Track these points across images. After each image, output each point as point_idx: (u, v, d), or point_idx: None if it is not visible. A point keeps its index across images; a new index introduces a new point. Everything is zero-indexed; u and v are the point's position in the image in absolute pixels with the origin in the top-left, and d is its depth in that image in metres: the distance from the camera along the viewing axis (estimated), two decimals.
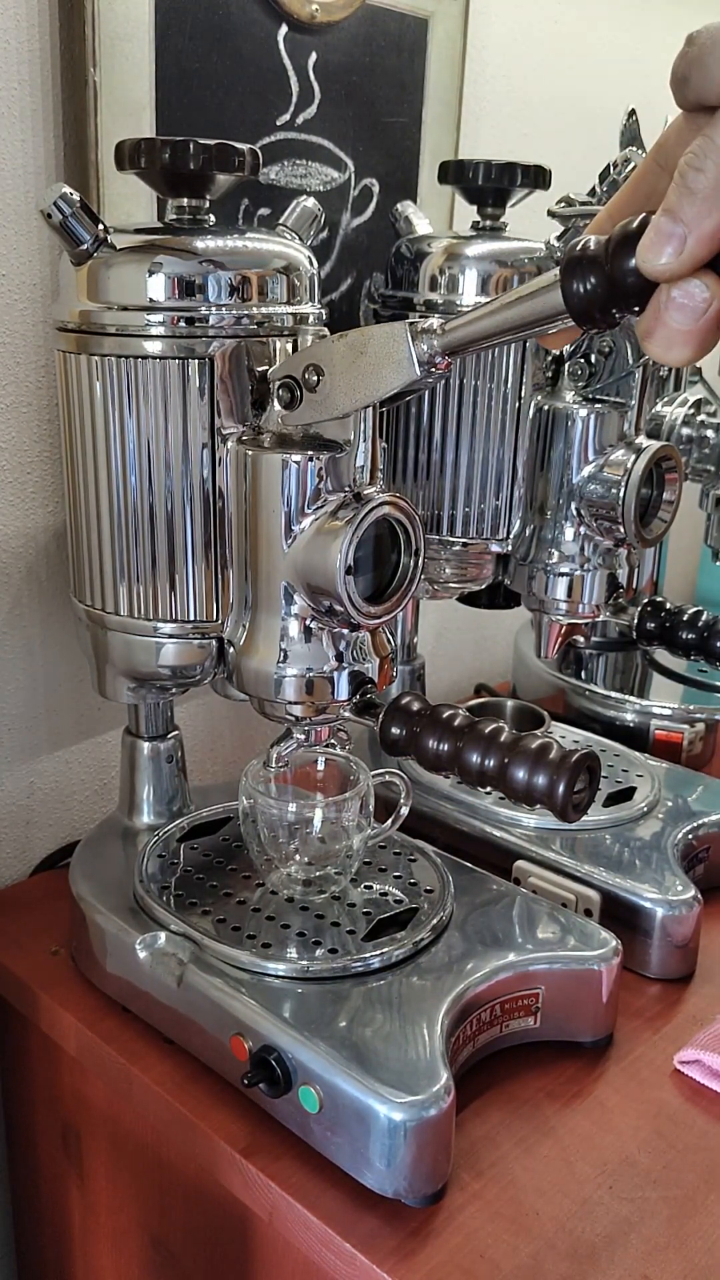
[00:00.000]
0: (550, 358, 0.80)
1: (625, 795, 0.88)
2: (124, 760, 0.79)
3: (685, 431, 1.01)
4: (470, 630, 1.27)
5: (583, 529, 0.79)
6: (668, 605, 0.88)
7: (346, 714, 0.65)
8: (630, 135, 0.82)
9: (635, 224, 0.40)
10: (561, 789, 0.57)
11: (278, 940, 0.67)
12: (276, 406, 0.60)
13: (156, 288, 0.61)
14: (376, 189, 0.95)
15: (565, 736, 0.99)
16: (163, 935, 0.68)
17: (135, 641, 0.67)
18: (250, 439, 0.62)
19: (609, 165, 0.78)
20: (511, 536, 0.82)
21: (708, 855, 0.86)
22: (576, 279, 0.43)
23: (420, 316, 0.79)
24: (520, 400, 0.79)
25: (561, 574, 0.81)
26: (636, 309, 0.41)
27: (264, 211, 0.87)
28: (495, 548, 0.82)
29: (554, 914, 0.72)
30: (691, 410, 1.01)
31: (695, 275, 0.38)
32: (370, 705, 0.64)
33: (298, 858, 0.70)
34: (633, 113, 0.82)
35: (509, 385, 0.78)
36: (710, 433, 1.01)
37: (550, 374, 0.81)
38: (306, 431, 0.61)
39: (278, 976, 0.64)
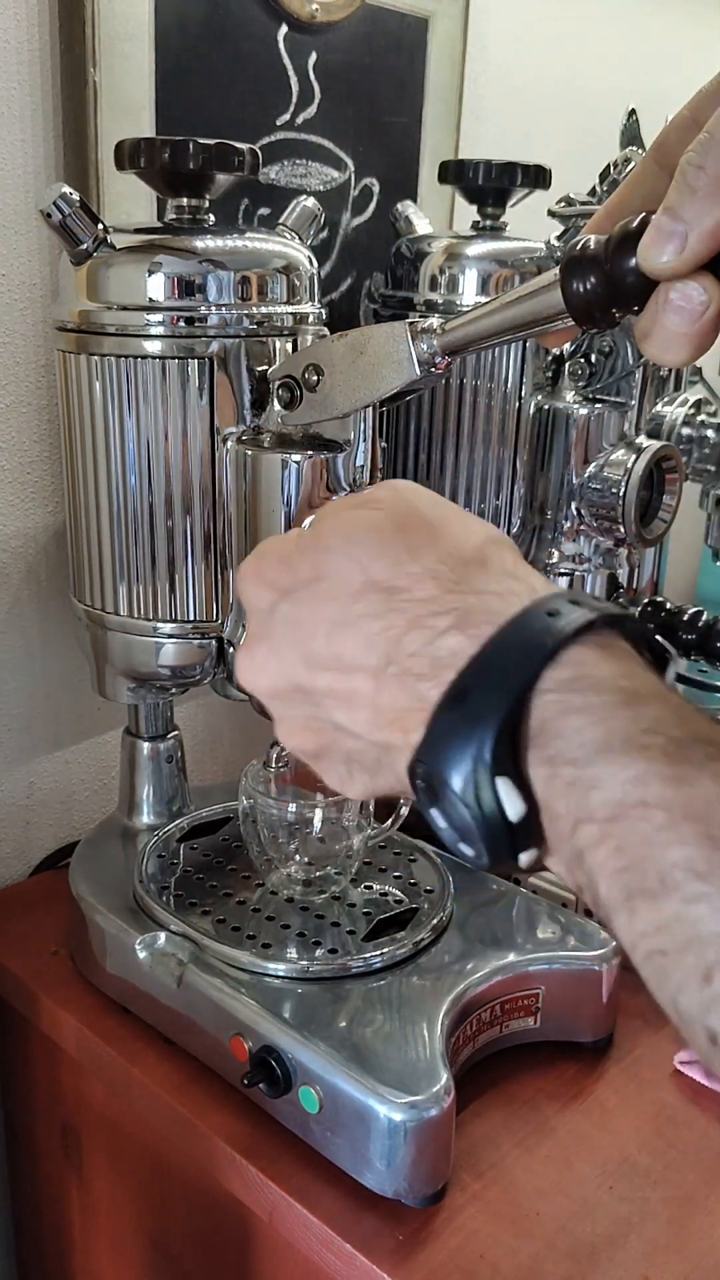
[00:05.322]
0: (550, 358, 0.80)
1: None
2: (124, 760, 0.79)
3: (685, 431, 1.01)
4: None
5: (583, 529, 0.79)
6: (668, 605, 0.87)
7: None
8: (630, 135, 0.82)
9: (635, 223, 0.40)
10: None
11: (278, 940, 0.67)
12: (276, 406, 0.60)
13: (156, 287, 0.61)
14: (376, 189, 0.95)
15: None
16: (163, 935, 0.68)
17: (135, 641, 0.67)
18: (250, 439, 0.62)
19: (609, 165, 0.78)
20: (511, 536, 0.82)
21: None
22: (576, 278, 0.43)
23: (420, 316, 0.79)
24: (520, 400, 0.79)
25: (561, 574, 0.81)
26: (636, 308, 0.41)
27: (264, 211, 0.87)
28: None
29: (554, 914, 0.71)
30: (691, 410, 1.01)
31: (694, 277, 0.38)
32: None
33: (298, 858, 0.70)
34: (633, 112, 0.82)
35: (509, 385, 0.78)
36: (710, 433, 1.01)
37: (550, 374, 0.81)
38: (306, 431, 0.61)
39: (278, 976, 0.64)
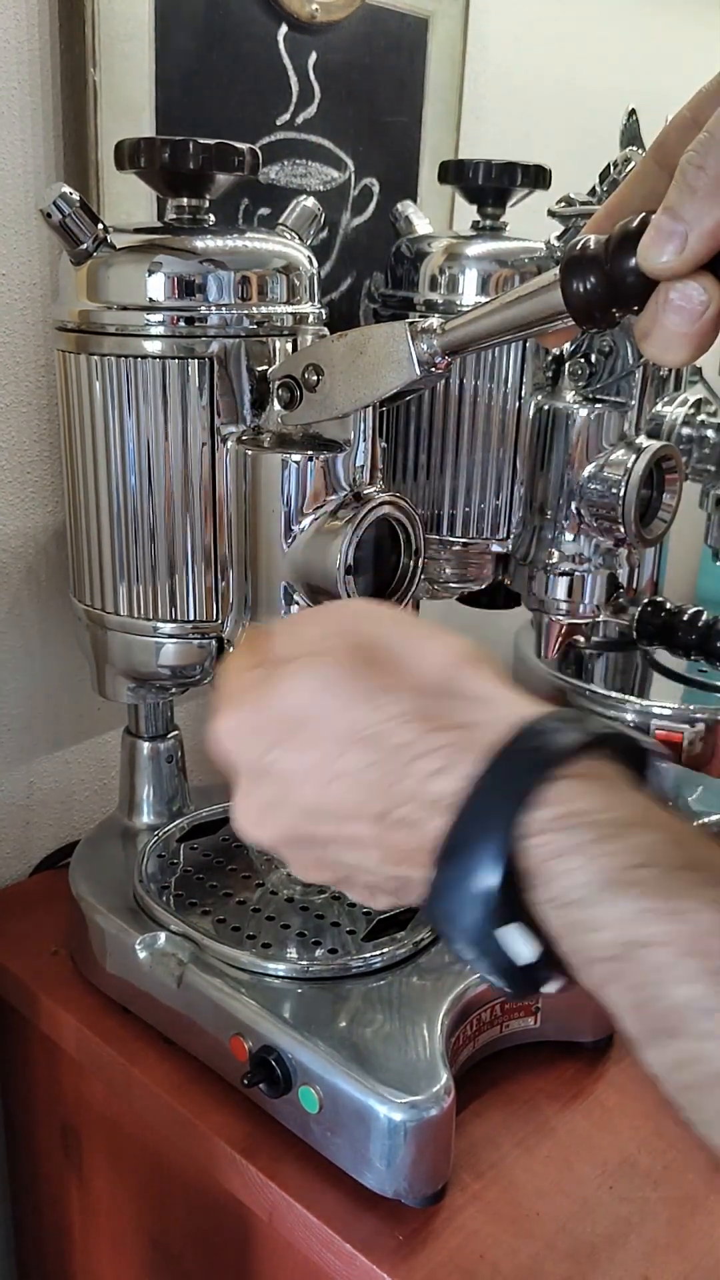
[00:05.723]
0: (550, 358, 0.80)
1: None
2: (124, 760, 0.79)
3: (685, 431, 1.01)
4: (470, 630, 1.27)
5: (583, 529, 0.79)
6: (668, 605, 0.88)
7: None
8: (630, 135, 0.82)
9: (635, 223, 0.40)
10: None
11: (278, 940, 0.67)
12: (276, 406, 0.60)
13: (156, 287, 0.61)
14: (376, 189, 0.95)
15: None
16: (163, 935, 0.68)
17: (135, 641, 0.67)
18: (250, 439, 0.62)
19: (609, 165, 0.78)
20: (511, 536, 0.82)
21: None
22: (576, 278, 0.43)
23: (420, 316, 0.79)
24: (520, 400, 0.78)
25: (561, 574, 0.81)
26: (636, 308, 0.41)
27: (264, 211, 0.87)
28: (495, 548, 0.82)
29: None
30: (692, 410, 1.01)
31: (694, 277, 0.38)
32: None
33: None
34: (633, 112, 0.82)
35: (509, 385, 0.78)
36: (710, 433, 1.01)
37: (550, 374, 0.81)
38: (306, 431, 0.61)
39: (278, 976, 0.64)
